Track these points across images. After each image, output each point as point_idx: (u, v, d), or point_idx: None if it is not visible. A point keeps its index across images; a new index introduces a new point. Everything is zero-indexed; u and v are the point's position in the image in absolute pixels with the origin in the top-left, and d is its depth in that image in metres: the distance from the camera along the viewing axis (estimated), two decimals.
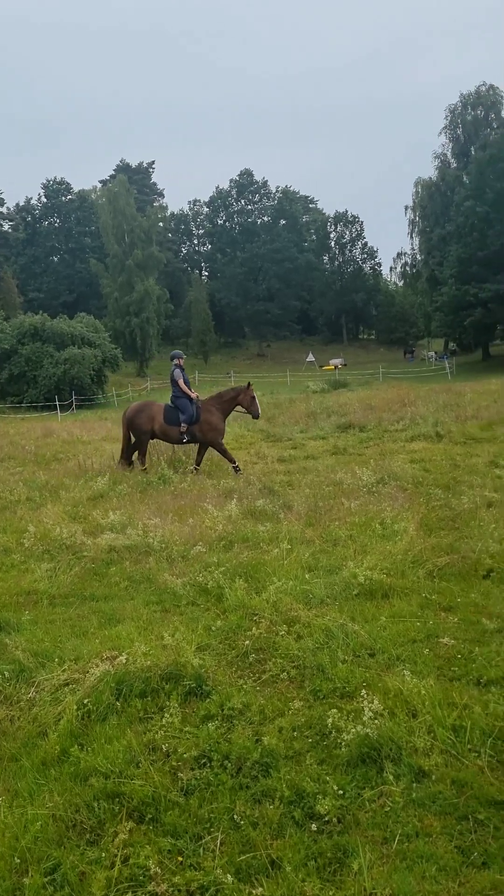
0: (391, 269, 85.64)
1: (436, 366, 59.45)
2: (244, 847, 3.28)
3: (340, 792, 3.58)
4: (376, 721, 3.96)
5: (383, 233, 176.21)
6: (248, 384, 14.07)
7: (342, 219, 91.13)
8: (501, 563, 6.59)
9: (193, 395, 13.36)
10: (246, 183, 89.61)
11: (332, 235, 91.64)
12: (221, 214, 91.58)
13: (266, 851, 3.24)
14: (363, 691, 4.26)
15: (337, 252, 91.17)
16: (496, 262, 55.67)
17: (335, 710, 4.15)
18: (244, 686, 4.68)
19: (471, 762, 3.74)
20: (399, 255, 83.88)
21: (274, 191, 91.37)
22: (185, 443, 13.44)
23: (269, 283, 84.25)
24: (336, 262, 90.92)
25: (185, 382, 13.38)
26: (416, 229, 75.05)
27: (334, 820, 3.42)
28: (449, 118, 73.62)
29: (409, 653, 5.00)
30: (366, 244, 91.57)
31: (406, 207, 75.96)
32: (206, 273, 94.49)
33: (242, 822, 3.42)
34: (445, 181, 71.25)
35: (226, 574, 6.62)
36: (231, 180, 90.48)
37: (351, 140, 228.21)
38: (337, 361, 71.13)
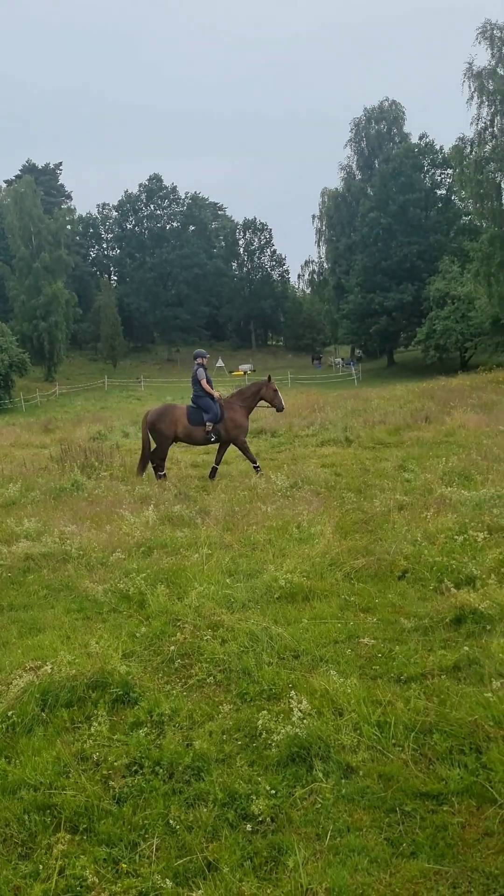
0: (299, 276, 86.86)
1: (343, 372, 60.67)
2: (180, 851, 3.30)
3: (273, 792, 3.64)
4: (305, 721, 4.05)
5: (291, 241, 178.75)
6: (269, 377, 13.99)
7: (251, 226, 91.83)
8: (415, 564, 6.80)
9: (216, 394, 13.19)
10: (155, 188, 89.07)
11: (240, 242, 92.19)
12: (130, 219, 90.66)
13: (202, 854, 3.27)
14: (291, 692, 4.34)
15: (245, 259, 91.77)
16: (399, 272, 57.42)
17: (264, 712, 4.21)
18: (172, 691, 4.69)
19: (396, 756, 3.87)
20: (307, 262, 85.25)
21: (183, 196, 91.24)
22: (212, 442, 13.20)
23: (178, 289, 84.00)
24: (245, 269, 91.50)
25: (208, 381, 13.21)
26: (323, 238, 76.42)
27: (268, 819, 3.48)
28: (354, 131, 75.34)
29: (332, 653, 5.12)
30: (274, 251, 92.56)
31: (313, 216, 77.26)
32: (115, 277, 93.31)
33: (178, 827, 3.43)
34: (351, 192, 72.91)
35: (147, 580, 6.61)
36: (140, 185, 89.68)
37: (258, 149, 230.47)
38: (246, 367, 71.54)
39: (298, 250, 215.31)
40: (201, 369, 13.19)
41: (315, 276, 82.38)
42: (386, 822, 3.45)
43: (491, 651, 4.70)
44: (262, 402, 13.70)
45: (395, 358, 65.18)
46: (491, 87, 32.57)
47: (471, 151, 34.19)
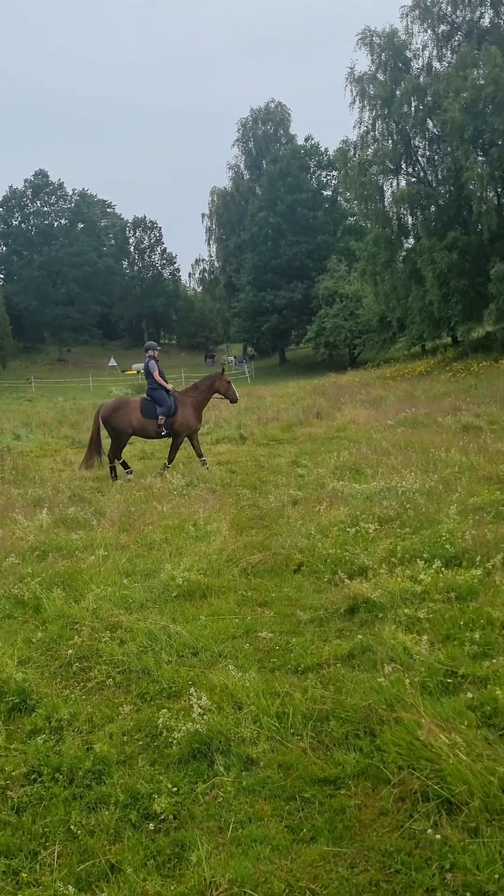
0: (190, 275, 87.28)
1: (236, 370, 61.08)
2: (83, 856, 3.27)
3: (174, 789, 3.65)
4: (205, 717, 4.08)
5: (182, 239, 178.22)
6: (222, 370, 13.91)
7: (141, 224, 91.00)
8: (310, 558, 6.96)
9: (169, 387, 12.97)
10: (41, 184, 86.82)
11: (131, 240, 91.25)
12: (16, 215, 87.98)
13: (105, 857, 3.25)
14: (190, 689, 4.36)
15: (136, 257, 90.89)
16: (289, 270, 58.35)
17: (164, 711, 4.22)
18: (70, 696, 4.63)
19: (294, 745, 3.95)
20: (197, 261, 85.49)
21: (70, 193, 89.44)
22: (163, 436, 12.93)
23: (68, 287, 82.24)
24: (136, 268, 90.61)
25: (161, 374, 12.92)
26: (213, 237, 76.74)
27: (170, 817, 3.49)
28: (241, 131, 75.98)
29: (231, 649, 5.18)
30: (165, 250, 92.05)
31: (203, 215, 77.48)
32: (2, 276, 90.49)
33: (79, 832, 3.40)
34: (240, 191, 73.49)
35: (42, 584, 6.47)
36: (25, 180, 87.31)
37: (147, 147, 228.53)
38: (139, 366, 70.94)
39: (189, 249, 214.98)
40: (153, 361, 13.02)
41: (206, 275, 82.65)
42: (286, 809, 3.52)
43: (383, 638, 4.87)
44: (217, 395, 13.68)
45: (286, 355, 66.17)
46: (372, 92, 33.47)
47: (354, 154, 35.04)
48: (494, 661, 4.32)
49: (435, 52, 33.76)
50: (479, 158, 29.84)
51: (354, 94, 34.20)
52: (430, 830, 3.16)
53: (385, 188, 35.05)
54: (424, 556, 6.26)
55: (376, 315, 44.19)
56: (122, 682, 4.82)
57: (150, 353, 13.23)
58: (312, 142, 65.75)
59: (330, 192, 64.82)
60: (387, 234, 34.73)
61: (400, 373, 32.82)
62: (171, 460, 12.96)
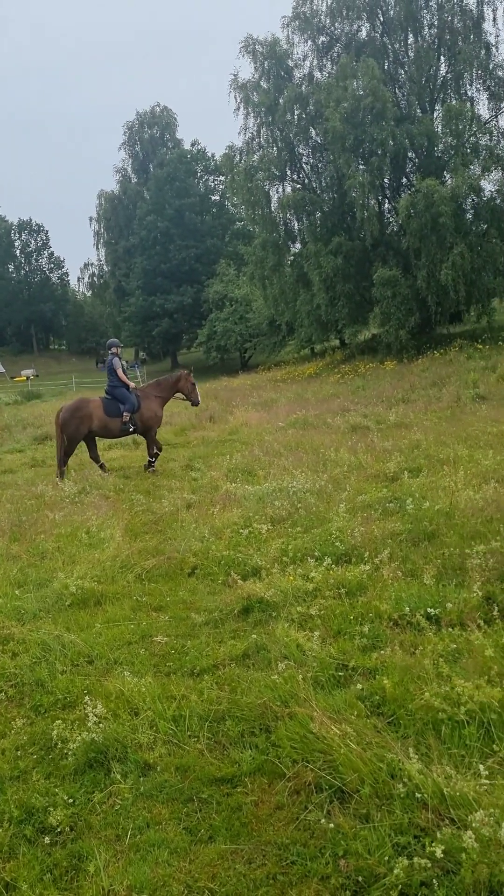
0: (79, 279, 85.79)
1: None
2: None
3: (70, 801, 3.61)
4: (101, 725, 4.04)
5: (70, 243, 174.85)
6: (190, 371, 13.75)
7: (27, 227, 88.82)
8: (204, 560, 6.99)
9: (131, 385, 12.93)
10: None
11: (16, 244, 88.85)
12: None
13: None
14: (86, 698, 4.31)
15: (23, 261, 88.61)
16: (179, 274, 58.27)
17: (59, 722, 4.15)
18: None
19: (191, 747, 3.98)
20: (86, 265, 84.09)
21: None
22: (130, 432, 12.87)
23: None
24: (22, 272, 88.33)
25: (123, 371, 12.88)
26: (102, 240, 75.67)
27: (67, 829, 3.44)
28: (128, 135, 75.33)
29: (127, 655, 5.15)
30: (52, 254, 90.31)
31: (91, 219, 76.27)
32: None
33: None
34: (127, 195, 72.84)
35: None
36: None
37: (30, 148, 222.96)
38: (28, 372, 69.21)
39: (78, 253, 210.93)
40: (116, 359, 12.97)
41: (95, 279, 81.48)
42: (184, 812, 3.54)
43: (276, 636, 4.96)
44: (179, 395, 13.53)
45: (178, 359, 66.05)
46: (256, 100, 33.88)
47: (240, 160, 35.37)
48: (382, 652, 4.48)
49: (316, 63, 34.55)
50: (361, 167, 30.70)
51: (239, 100, 34.54)
52: (323, 820, 3.25)
53: (271, 194, 35.54)
54: (315, 554, 6.41)
55: (266, 318, 44.80)
56: (14, 695, 4.71)
57: (113, 350, 13.21)
58: (199, 146, 65.94)
59: (217, 197, 65.17)
60: (274, 238, 35.24)
61: (290, 375, 33.39)
62: (151, 453, 12.86)
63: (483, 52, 31.37)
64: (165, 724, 4.14)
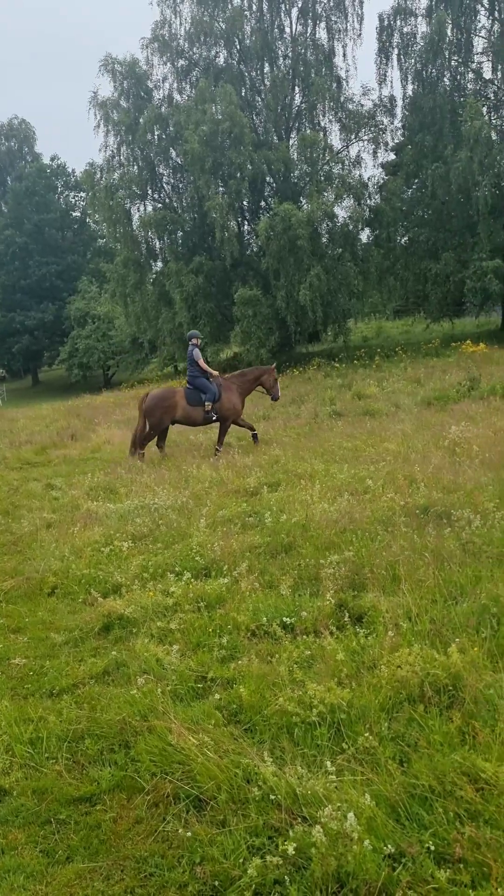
0: None
1: None
2: None
3: None
4: None
5: None
6: (274, 365, 14.37)
7: None
8: (64, 579, 6.89)
9: (214, 373, 13.35)
10: None
11: None
12: None
13: None
14: None
15: None
16: (39, 291, 56.91)
17: None
18: None
19: (49, 769, 3.92)
20: None
21: None
22: (213, 421, 13.31)
23: None
24: None
25: (205, 361, 13.30)
26: None
27: None
28: None
29: None
30: None
31: None
32: None
33: None
34: None
35: None
36: None
37: None
38: None
39: None
40: (196, 350, 13.26)
41: None
42: (41, 834, 3.48)
43: (136, 651, 4.97)
44: (260, 388, 14.04)
45: (39, 377, 64.36)
46: (116, 118, 33.84)
47: (101, 177, 35.17)
48: (240, 662, 4.59)
49: (175, 85, 35.03)
50: (221, 189, 31.31)
51: (99, 118, 34.41)
52: (181, 830, 3.30)
53: (133, 212, 35.59)
54: (176, 569, 6.46)
55: (129, 336, 44.57)
56: None
57: (194, 341, 13.47)
58: (59, 161, 64.81)
59: (79, 214, 64.21)
60: (136, 256, 35.22)
61: None
62: (220, 443, 13.36)
63: (335, 85, 32.87)
64: (22, 748, 4.06)
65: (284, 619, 5.07)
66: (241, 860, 3.06)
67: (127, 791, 3.70)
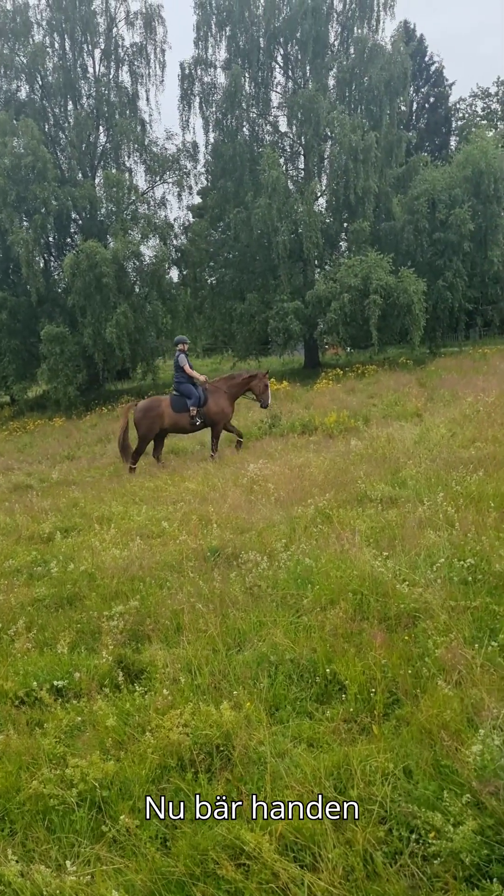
0: None
1: None
2: None
3: None
4: None
5: None
6: (267, 371, 13.90)
7: None
8: None
9: (202, 378, 13.20)
10: None
11: None
12: None
13: None
14: None
15: None
16: None
17: None
18: None
19: None
20: None
21: None
22: (198, 427, 13.08)
23: None
24: None
25: (190, 367, 13.11)
26: None
27: None
28: None
29: None
30: None
31: None
32: None
33: None
34: None
35: None
36: None
37: None
38: None
39: None
40: (182, 355, 13.13)
41: None
42: None
43: None
44: (249, 394, 13.66)
45: None
46: None
47: None
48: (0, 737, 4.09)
49: None
50: (25, 223, 30.40)
51: None
52: None
53: None
54: None
55: None
56: None
57: (180, 346, 13.33)
58: None
59: None
60: None
61: None
62: (214, 449, 13.29)
63: (139, 127, 33.18)
64: None
65: (55, 682, 4.62)
66: None
67: None
